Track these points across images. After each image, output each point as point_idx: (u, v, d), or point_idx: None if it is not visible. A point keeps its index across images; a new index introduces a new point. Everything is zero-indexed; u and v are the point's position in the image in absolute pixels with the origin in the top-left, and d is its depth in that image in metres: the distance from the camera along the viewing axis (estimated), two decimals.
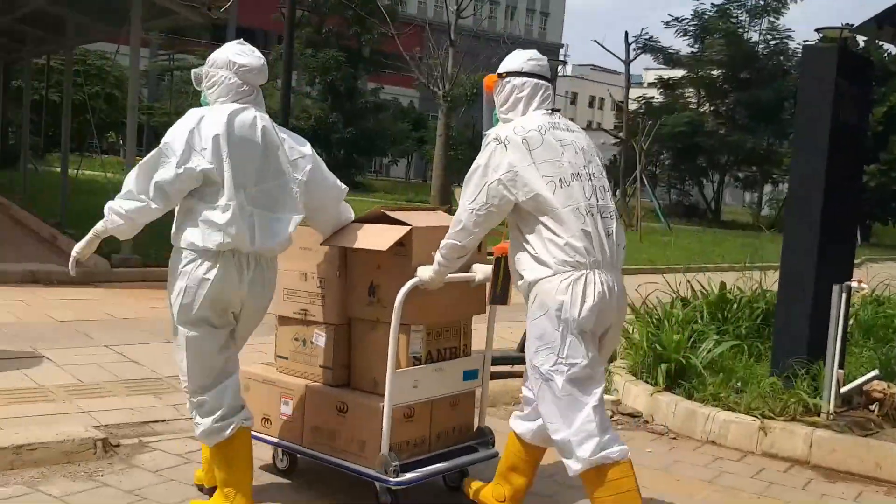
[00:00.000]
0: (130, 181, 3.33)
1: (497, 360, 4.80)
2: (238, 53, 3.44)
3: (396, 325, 3.40)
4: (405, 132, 43.81)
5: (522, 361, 3.53)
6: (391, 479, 3.44)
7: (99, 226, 3.41)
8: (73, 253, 3.48)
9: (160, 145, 3.30)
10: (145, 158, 3.33)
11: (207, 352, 3.36)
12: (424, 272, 3.42)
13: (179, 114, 3.93)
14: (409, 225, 3.54)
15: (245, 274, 3.34)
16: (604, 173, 3.36)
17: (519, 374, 5.03)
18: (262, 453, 3.96)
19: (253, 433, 3.58)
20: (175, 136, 3.28)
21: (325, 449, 3.70)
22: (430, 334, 3.68)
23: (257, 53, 3.49)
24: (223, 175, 3.25)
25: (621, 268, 3.28)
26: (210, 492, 3.58)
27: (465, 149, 34.68)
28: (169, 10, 9.88)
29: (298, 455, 3.89)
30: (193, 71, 3.54)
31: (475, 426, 3.96)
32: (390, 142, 41.66)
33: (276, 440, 3.89)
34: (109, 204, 3.36)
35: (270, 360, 4.09)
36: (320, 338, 3.78)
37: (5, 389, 4.96)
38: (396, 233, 3.51)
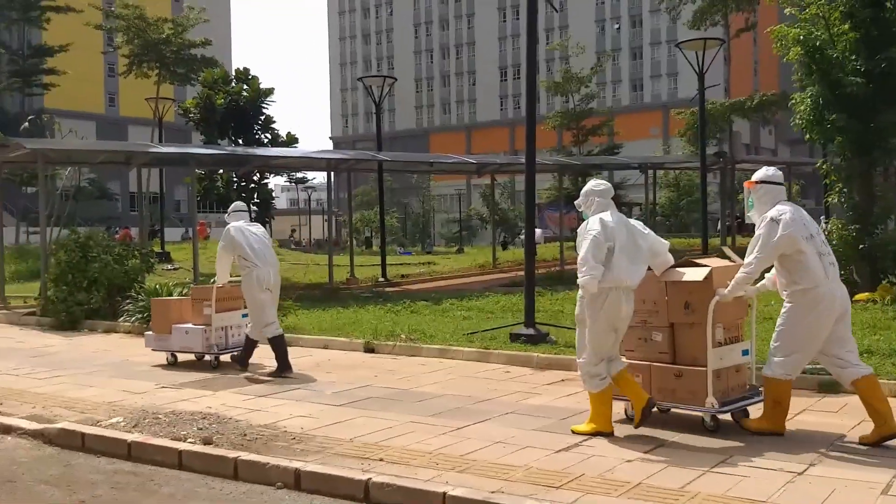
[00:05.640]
0: (582, 253, 6.15)
1: None
2: (595, 185, 6.45)
3: (710, 323, 6.12)
4: None
5: None
6: (716, 410, 6.14)
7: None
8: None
9: (592, 235, 6.10)
10: (589, 247, 6.08)
11: (604, 341, 6.19)
12: (723, 292, 6.14)
13: None
14: (708, 266, 6.35)
15: (624, 298, 6.16)
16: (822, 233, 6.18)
17: None
18: (484, 391, 7.76)
19: (614, 396, 6.37)
20: (594, 229, 6.13)
21: (668, 399, 6.42)
22: (724, 328, 6.33)
23: (604, 182, 6.52)
24: (615, 246, 6.11)
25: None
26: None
27: None
28: None
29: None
30: (576, 202, 6.54)
31: (748, 384, 6.58)
32: None
33: (625, 399, 6.46)
34: (583, 277, 6.09)
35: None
36: (658, 335, 6.50)
37: None
38: (704, 271, 6.31)
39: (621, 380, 6.28)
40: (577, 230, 6.35)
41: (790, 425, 6.37)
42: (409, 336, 11.04)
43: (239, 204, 10.04)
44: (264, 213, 25.68)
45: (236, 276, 9.70)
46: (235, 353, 9.74)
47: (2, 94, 55.66)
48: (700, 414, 6.26)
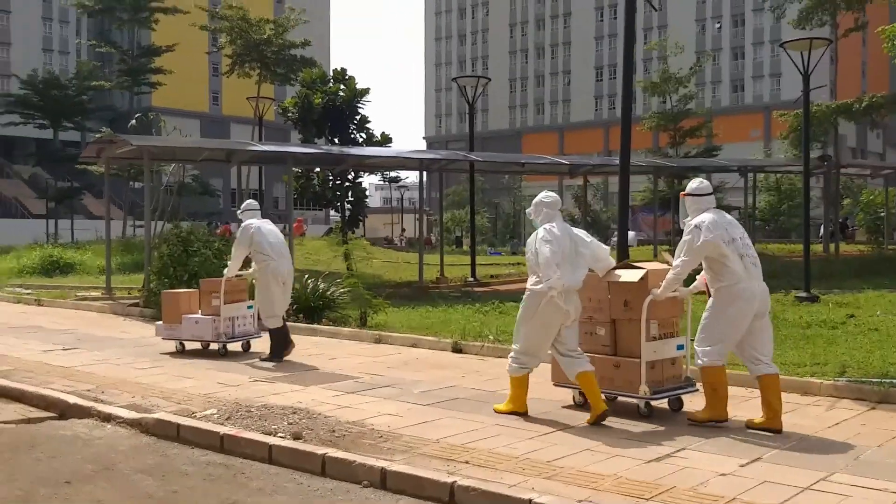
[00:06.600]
0: (544, 258, 6.78)
1: None
2: (545, 197, 7.15)
3: (645, 319, 6.81)
4: None
5: None
6: (648, 398, 6.85)
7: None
8: None
9: (549, 244, 6.77)
10: (547, 252, 6.74)
11: (539, 339, 6.97)
12: (656, 292, 6.78)
13: None
14: (644, 269, 7.05)
15: (566, 298, 6.76)
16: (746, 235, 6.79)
17: None
18: (566, 396, 7.54)
19: (561, 384, 7.43)
20: (550, 238, 6.82)
21: (608, 387, 7.07)
22: (659, 324, 6.94)
23: (552, 194, 7.17)
24: (563, 253, 6.79)
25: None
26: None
27: None
28: None
29: None
30: (528, 210, 7.27)
31: (683, 376, 7.19)
32: None
33: (574, 387, 7.20)
34: (551, 280, 6.73)
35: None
36: (601, 329, 7.21)
37: None
38: (640, 272, 7.03)
39: (587, 382, 6.84)
40: (528, 241, 7.07)
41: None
42: (496, 337, 11.01)
43: (252, 202, 10.62)
44: (358, 211, 26.00)
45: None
46: (250, 346, 10.72)
47: (112, 92, 58.08)
48: (636, 401, 6.96)
